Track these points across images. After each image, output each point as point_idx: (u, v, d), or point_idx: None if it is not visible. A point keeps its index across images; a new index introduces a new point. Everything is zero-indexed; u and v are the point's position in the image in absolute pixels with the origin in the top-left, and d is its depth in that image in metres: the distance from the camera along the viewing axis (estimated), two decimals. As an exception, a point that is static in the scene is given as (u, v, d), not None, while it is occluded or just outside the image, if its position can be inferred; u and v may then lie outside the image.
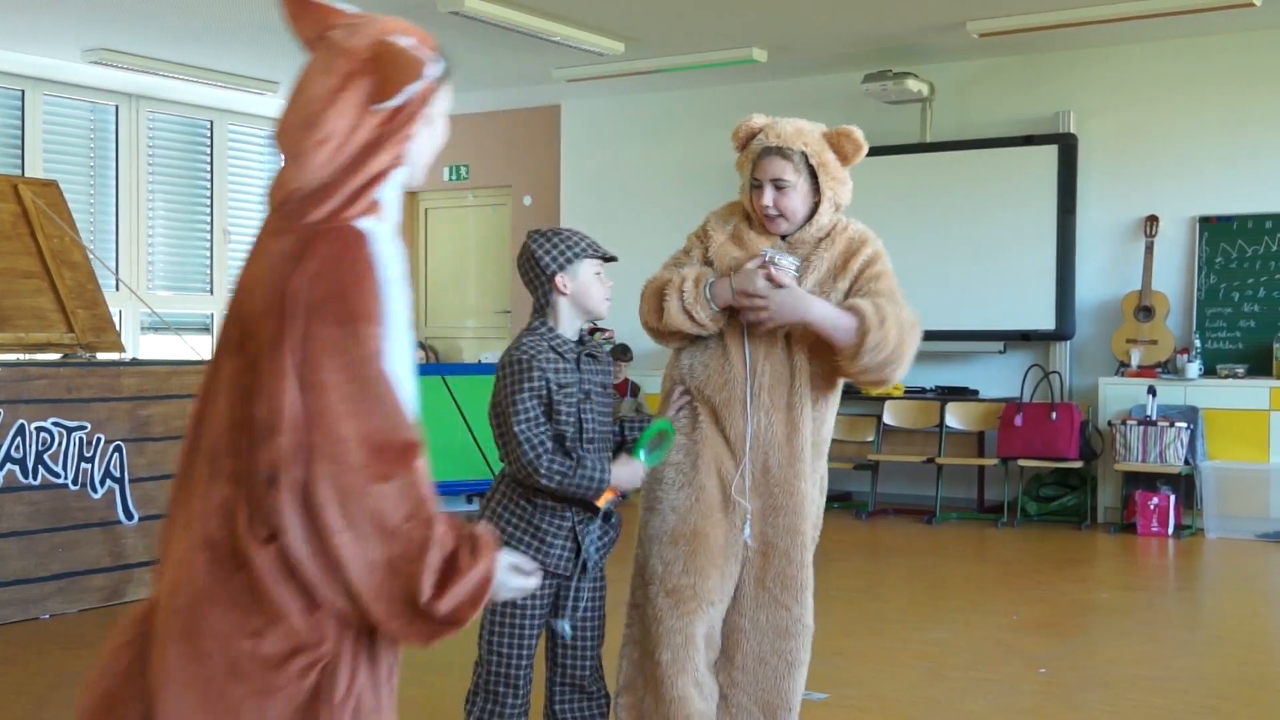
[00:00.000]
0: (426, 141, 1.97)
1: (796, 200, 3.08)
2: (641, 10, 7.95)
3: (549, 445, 2.84)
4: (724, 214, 3.28)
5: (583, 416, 2.93)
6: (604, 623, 3.08)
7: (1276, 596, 6.41)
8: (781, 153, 3.06)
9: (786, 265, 3.02)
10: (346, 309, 1.78)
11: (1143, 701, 4.28)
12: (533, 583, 2.03)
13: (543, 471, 2.82)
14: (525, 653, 2.97)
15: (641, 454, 2.96)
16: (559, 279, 2.94)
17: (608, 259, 3.01)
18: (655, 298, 3.12)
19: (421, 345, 11.15)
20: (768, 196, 3.07)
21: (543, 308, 2.98)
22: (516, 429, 2.82)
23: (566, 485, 2.84)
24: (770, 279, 2.99)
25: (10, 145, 9.72)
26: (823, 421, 3.16)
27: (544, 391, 2.86)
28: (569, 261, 2.94)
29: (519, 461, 2.83)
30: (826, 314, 3.00)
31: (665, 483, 3.12)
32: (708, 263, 3.17)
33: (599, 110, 10.69)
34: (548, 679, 3.09)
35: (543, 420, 2.86)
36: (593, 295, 2.96)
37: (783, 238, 3.15)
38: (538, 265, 2.95)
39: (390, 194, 1.92)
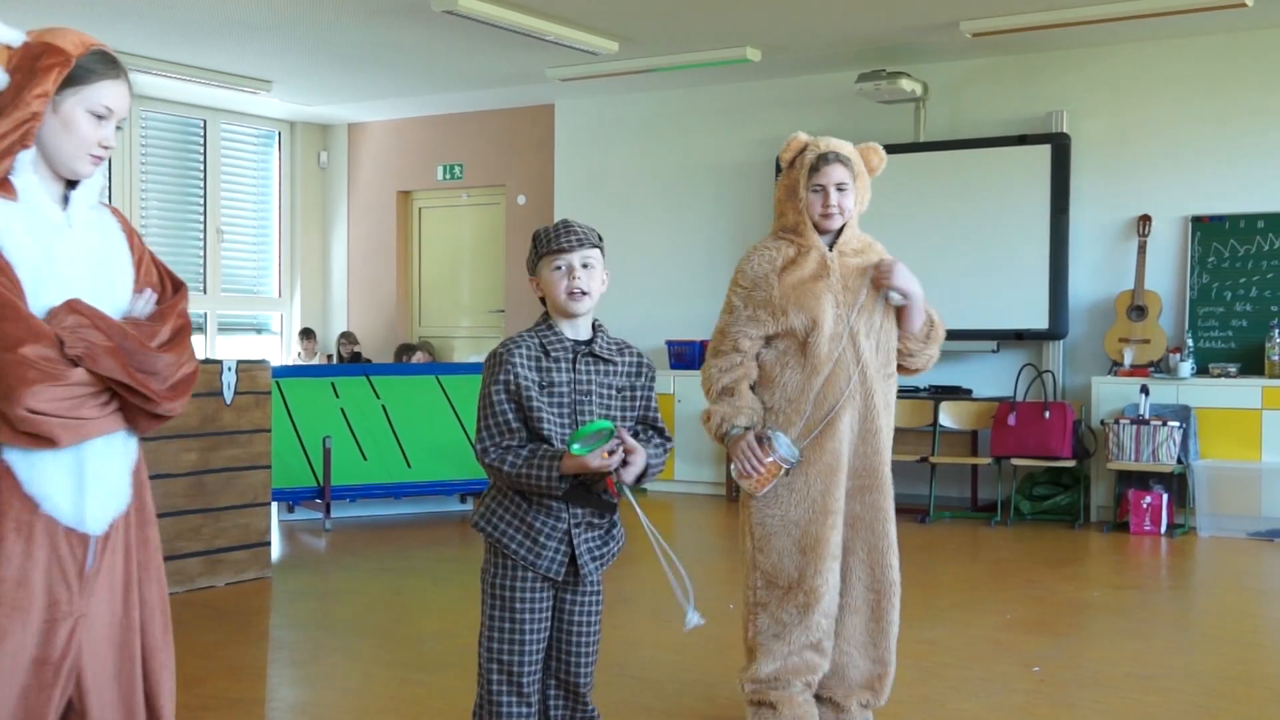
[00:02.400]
0: (58, 131, 2.30)
1: (851, 200, 3.61)
2: (635, 9, 7.95)
3: (506, 438, 2.84)
4: (762, 254, 3.63)
5: (579, 417, 2.87)
6: (599, 636, 3.02)
7: (1268, 595, 6.42)
8: (840, 159, 3.58)
9: (786, 456, 3.46)
10: None
11: (1135, 700, 4.30)
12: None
13: (491, 456, 2.83)
14: (525, 660, 2.87)
15: (574, 446, 2.77)
16: (533, 282, 2.98)
17: (559, 251, 2.90)
18: (710, 398, 3.63)
19: (416, 346, 11.14)
20: (833, 197, 3.56)
21: (542, 303, 3.02)
22: (479, 419, 2.86)
23: (515, 472, 2.81)
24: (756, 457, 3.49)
25: (3, 144, 9.69)
26: (890, 409, 3.70)
27: (513, 387, 2.84)
28: (535, 262, 2.97)
29: (476, 447, 2.87)
30: (922, 295, 3.64)
31: (780, 499, 3.56)
32: (777, 308, 3.56)
33: (593, 109, 10.69)
34: (541, 685, 3.00)
35: (508, 415, 2.84)
36: (551, 293, 2.92)
37: (830, 246, 3.61)
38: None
39: (23, 176, 2.29)
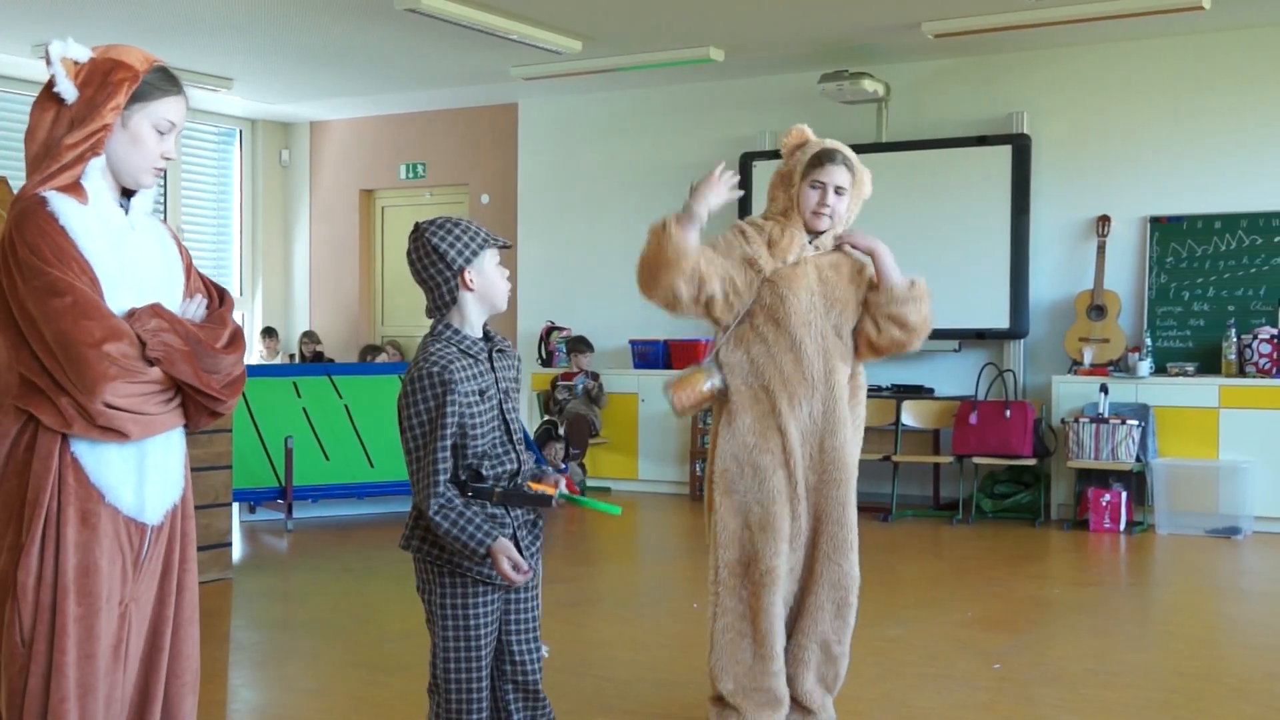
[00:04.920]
0: (126, 143, 2.46)
1: (844, 207, 3.59)
2: (599, 9, 7.94)
3: (447, 478, 2.71)
4: (753, 226, 3.66)
5: (507, 417, 2.83)
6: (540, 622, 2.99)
7: (1225, 591, 6.50)
8: (847, 163, 3.56)
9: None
10: (16, 257, 2.32)
11: (1095, 696, 4.33)
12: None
13: (438, 506, 2.69)
14: (483, 671, 2.84)
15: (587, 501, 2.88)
16: (467, 273, 2.79)
17: (505, 246, 2.89)
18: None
19: (380, 347, 11.09)
20: (830, 198, 3.54)
21: (445, 306, 2.82)
22: (430, 453, 2.70)
23: (450, 530, 2.70)
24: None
25: (-42, 141, 9.58)
26: (857, 402, 3.71)
27: (458, 414, 2.71)
28: (474, 254, 2.80)
29: (425, 485, 2.70)
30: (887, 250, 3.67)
31: (745, 477, 3.53)
32: (748, 261, 3.57)
33: (556, 108, 10.68)
34: (496, 687, 2.94)
35: (447, 456, 2.71)
36: (497, 287, 2.85)
37: (813, 240, 3.61)
38: (442, 260, 2.78)
39: (94, 181, 2.44)
